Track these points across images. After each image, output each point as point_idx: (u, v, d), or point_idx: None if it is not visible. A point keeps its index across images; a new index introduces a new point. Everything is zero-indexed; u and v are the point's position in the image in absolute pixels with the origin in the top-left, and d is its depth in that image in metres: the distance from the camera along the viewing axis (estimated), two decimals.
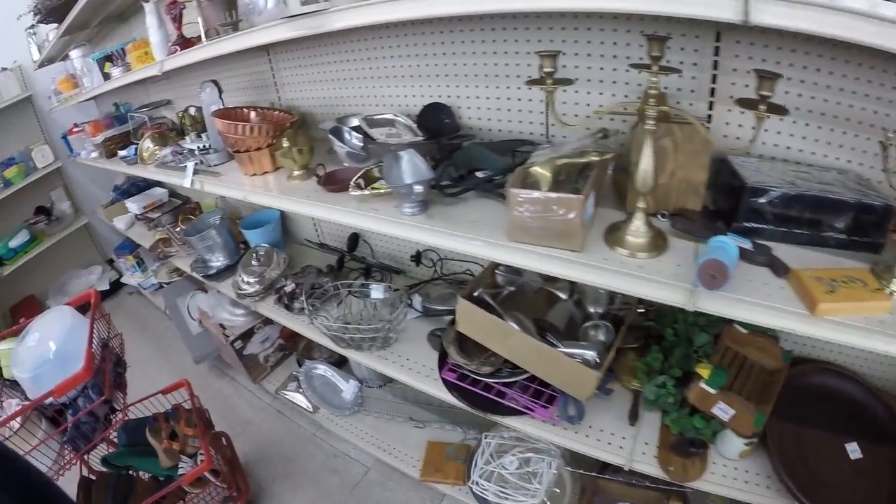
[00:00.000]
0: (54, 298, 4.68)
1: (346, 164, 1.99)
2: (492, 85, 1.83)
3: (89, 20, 3.60)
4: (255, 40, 1.69)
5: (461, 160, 1.70)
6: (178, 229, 3.16)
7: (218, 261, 2.89)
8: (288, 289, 2.53)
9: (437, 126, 1.96)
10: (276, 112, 2.25)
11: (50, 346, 2.04)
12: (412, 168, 1.61)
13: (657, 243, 1.25)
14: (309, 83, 2.42)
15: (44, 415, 1.97)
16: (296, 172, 2.00)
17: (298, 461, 2.81)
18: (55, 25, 3.64)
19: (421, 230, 1.50)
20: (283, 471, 2.78)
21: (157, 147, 2.85)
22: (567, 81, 1.29)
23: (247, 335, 3.06)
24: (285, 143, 1.91)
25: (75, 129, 4.19)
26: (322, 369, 2.93)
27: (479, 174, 1.64)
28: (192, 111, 2.74)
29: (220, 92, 2.35)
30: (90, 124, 3.69)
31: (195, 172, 2.36)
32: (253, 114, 2.19)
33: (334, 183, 1.85)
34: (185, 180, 2.37)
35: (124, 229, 3.92)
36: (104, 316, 2.58)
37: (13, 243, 4.39)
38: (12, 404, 2.00)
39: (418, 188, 1.53)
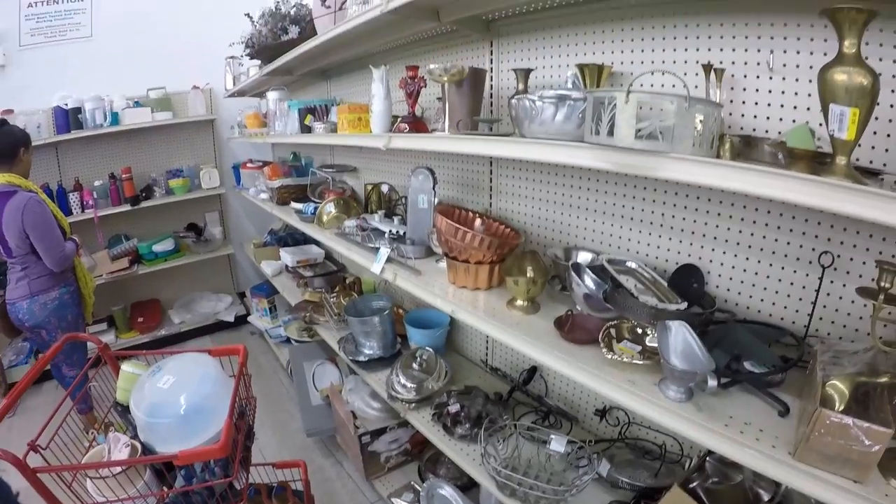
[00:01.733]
0: (177, 311, 4.61)
1: (578, 308, 1.61)
2: (752, 258, 1.52)
3: (295, 69, 3.56)
4: (530, 153, 1.37)
5: (727, 344, 1.39)
6: (333, 298, 2.88)
7: (371, 349, 2.57)
8: (452, 409, 2.16)
9: (684, 290, 1.58)
10: (501, 227, 1.92)
11: (181, 402, 1.72)
12: (684, 346, 1.32)
13: None
14: (529, 199, 2.09)
15: (152, 466, 1.64)
16: (519, 302, 1.63)
17: None
18: (258, 63, 3.64)
19: (685, 421, 1.20)
20: None
21: (339, 213, 2.62)
22: None
23: (378, 433, 2.69)
24: (528, 271, 1.55)
25: (249, 165, 4.15)
26: (448, 492, 2.50)
27: (747, 364, 1.34)
28: (384, 188, 2.49)
29: (435, 182, 2.06)
30: (270, 167, 3.59)
31: (388, 260, 2.06)
32: (478, 221, 1.87)
33: (575, 332, 1.46)
34: (374, 265, 2.08)
35: (271, 275, 3.74)
36: (246, 377, 2.30)
37: (157, 247, 4.42)
38: (120, 440, 1.66)
39: (698, 374, 1.23)
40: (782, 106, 1.38)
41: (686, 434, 1.18)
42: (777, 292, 1.49)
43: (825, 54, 1.29)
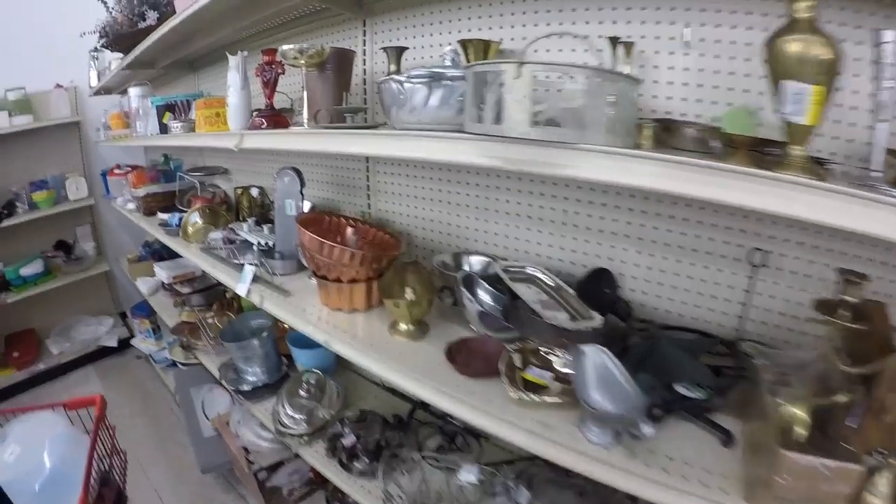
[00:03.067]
0: (54, 340, 3.91)
1: (473, 328, 1.30)
2: (671, 256, 1.28)
3: (157, 60, 3.03)
4: (397, 148, 1.04)
5: (653, 362, 1.12)
6: (210, 318, 2.43)
7: (255, 375, 2.15)
8: (347, 441, 1.80)
9: (595, 297, 1.31)
10: (380, 233, 1.56)
11: (33, 477, 1.31)
12: (604, 375, 1.00)
13: None
14: (412, 198, 1.76)
15: None
16: (403, 326, 1.30)
17: None
18: (120, 55, 3.08)
19: (616, 471, 0.94)
20: None
21: (205, 224, 2.18)
22: None
23: (274, 467, 2.30)
24: (408, 291, 1.22)
25: (117, 171, 3.55)
26: None
27: (680, 388, 1.09)
28: (254, 192, 2.08)
29: (302, 185, 1.68)
30: (134, 173, 3.05)
31: (254, 279, 1.66)
32: (350, 230, 1.51)
33: (471, 362, 1.15)
34: (239, 285, 1.68)
35: (147, 294, 3.21)
36: (108, 429, 1.85)
37: (25, 271, 3.70)
38: None
39: (625, 416, 0.96)
40: (700, 86, 1.12)
41: (620, 485, 0.93)
42: (701, 294, 1.25)
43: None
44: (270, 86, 1.60)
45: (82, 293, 4.11)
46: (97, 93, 3.93)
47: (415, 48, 1.54)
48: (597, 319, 1.21)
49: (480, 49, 1.22)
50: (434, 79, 1.00)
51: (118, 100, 3.91)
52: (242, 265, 1.73)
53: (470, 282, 1.31)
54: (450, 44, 1.42)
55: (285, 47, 1.37)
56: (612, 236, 1.34)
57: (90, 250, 4.03)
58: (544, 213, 1.43)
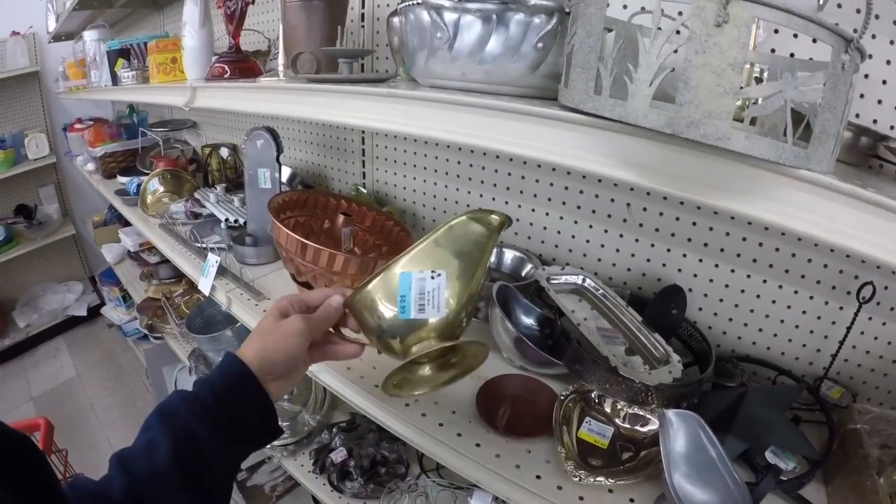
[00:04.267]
0: (21, 311, 3.46)
1: (504, 355, 0.92)
2: (754, 274, 0.95)
3: None
4: (431, 125, 0.61)
5: (744, 427, 0.80)
6: (179, 295, 2.01)
7: None
8: (337, 456, 1.46)
9: (663, 319, 0.95)
10: (378, 216, 1.13)
11: None
12: (696, 457, 0.69)
13: None
14: (420, 169, 1.34)
15: None
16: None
17: None
18: None
19: None
20: None
21: (166, 192, 1.74)
22: None
23: (255, 467, 1.95)
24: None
25: (77, 126, 3.02)
26: None
27: (770, 456, 0.77)
28: (224, 153, 1.64)
29: (279, 151, 1.24)
30: (92, 128, 2.54)
31: (220, 272, 1.25)
32: (342, 217, 1.08)
33: (514, 410, 0.78)
34: (201, 280, 1.27)
35: (112, 262, 2.77)
36: (58, 453, 1.49)
37: None
38: None
39: None
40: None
41: None
42: (783, 322, 0.91)
43: None
44: (235, 21, 1.15)
45: (49, 259, 3.64)
46: (56, 38, 3.35)
47: None
48: (675, 363, 0.84)
49: None
50: (504, 6, 0.58)
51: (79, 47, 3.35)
52: (206, 250, 1.31)
53: (505, 297, 0.92)
54: None
55: None
56: (682, 241, 0.96)
57: (54, 213, 3.52)
58: (592, 202, 1.04)
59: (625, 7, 0.87)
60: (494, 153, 1.14)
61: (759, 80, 0.69)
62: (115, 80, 1.94)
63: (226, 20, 1.17)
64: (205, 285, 1.25)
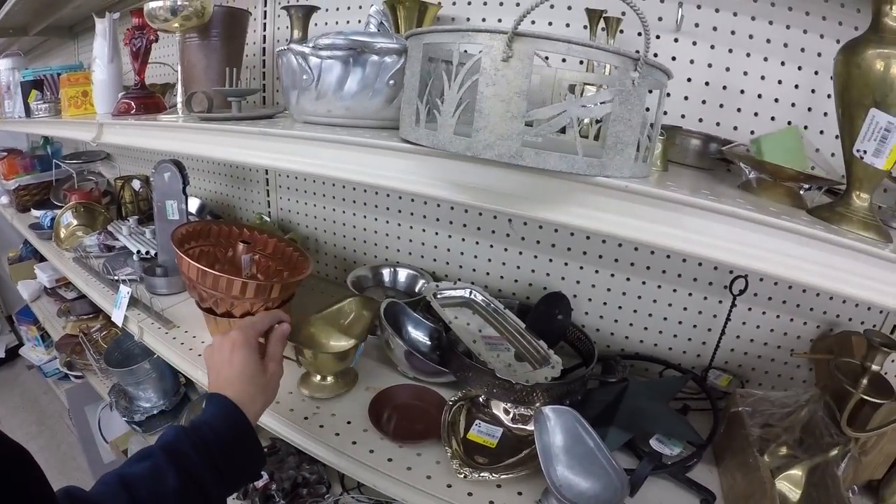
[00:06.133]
0: None
1: (399, 368, 1.00)
2: (633, 277, 1.06)
3: (28, 25, 2.46)
4: (307, 160, 0.68)
5: (626, 419, 0.88)
6: (97, 330, 1.98)
7: (149, 401, 1.75)
8: (258, 482, 1.46)
9: (544, 323, 1.04)
10: (279, 243, 1.19)
11: None
12: (575, 448, 0.77)
13: None
14: (321, 196, 1.42)
15: None
16: (316, 378, 0.97)
17: None
18: None
19: None
20: None
21: (80, 226, 1.73)
22: None
23: None
24: (324, 333, 0.89)
25: None
26: None
27: (655, 443, 0.87)
28: (136, 185, 1.66)
29: (185, 183, 1.28)
30: (5, 160, 2.48)
31: (132, 302, 1.27)
32: (241, 245, 1.14)
33: (400, 419, 0.86)
34: (114, 311, 1.28)
35: (29, 299, 2.67)
36: None
37: None
38: None
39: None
40: (707, 84, 0.86)
41: None
42: (666, 319, 1.02)
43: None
44: (141, 58, 1.19)
45: None
46: None
47: (328, 10, 1.18)
48: (554, 363, 0.93)
49: (414, 12, 0.88)
50: (355, 51, 0.67)
51: None
52: (118, 282, 1.33)
53: (395, 313, 0.99)
54: (372, 5, 1.08)
55: (153, 4, 0.98)
56: (563, 251, 1.06)
57: None
58: (476, 220, 1.13)
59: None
60: (352, 184, 1.24)
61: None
62: (28, 111, 1.92)
63: (131, 57, 1.21)
64: (118, 317, 1.27)
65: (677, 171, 0.72)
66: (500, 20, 1.01)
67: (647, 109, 0.50)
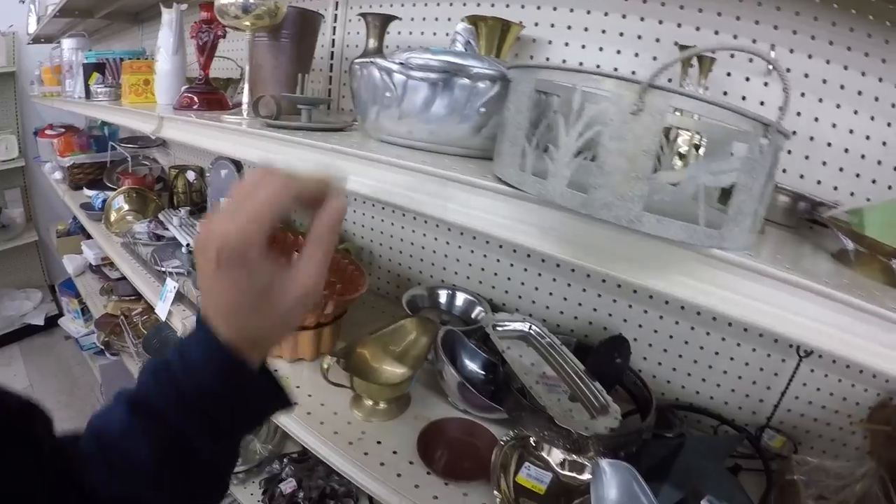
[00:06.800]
0: None
1: (450, 399, 0.95)
2: (698, 327, 1.00)
3: (94, 8, 2.51)
4: (392, 188, 0.63)
5: (681, 476, 0.82)
6: (138, 314, 2.00)
7: None
8: (286, 487, 1.45)
9: (606, 368, 0.98)
10: (335, 254, 1.16)
11: None
12: (628, 502, 0.72)
13: None
14: (378, 207, 1.37)
15: None
16: (369, 402, 0.93)
17: None
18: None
19: None
20: None
21: (131, 211, 1.74)
22: None
23: None
24: (384, 371, 0.86)
25: (48, 132, 3.01)
26: None
27: None
28: (190, 176, 1.66)
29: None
30: (62, 137, 2.53)
31: (178, 297, 1.26)
32: (297, 254, 1.11)
33: (454, 452, 0.81)
34: (159, 304, 1.28)
35: (73, 274, 2.73)
36: None
37: None
38: None
39: None
40: (812, 139, 0.80)
41: None
42: (726, 373, 0.96)
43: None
44: (206, 52, 1.18)
45: (9, 264, 3.56)
46: (36, 40, 3.35)
47: (402, 19, 1.15)
48: (614, 413, 0.88)
49: (496, 31, 0.84)
50: (449, 74, 0.62)
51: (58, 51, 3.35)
52: (165, 274, 1.32)
53: (451, 341, 0.95)
54: (449, 18, 1.04)
55: (224, 1, 0.96)
56: (628, 292, 1.01)
57: (18, 217, 3.47)
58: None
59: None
60: (434, 220, 1.19)
61: (697, 148, 0.74)
62: (88, 93, 1.95)
63: (197, 51, 1.20)
64: (162, 310, 1.26)
65: (769, 232, 0.67)
66: (583, 46, 0.97)
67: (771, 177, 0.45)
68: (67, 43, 2.42)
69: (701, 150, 0.57)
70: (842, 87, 0.79)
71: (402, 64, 0.62)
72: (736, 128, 0.42)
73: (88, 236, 2.67)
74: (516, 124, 0.47)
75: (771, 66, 0.71)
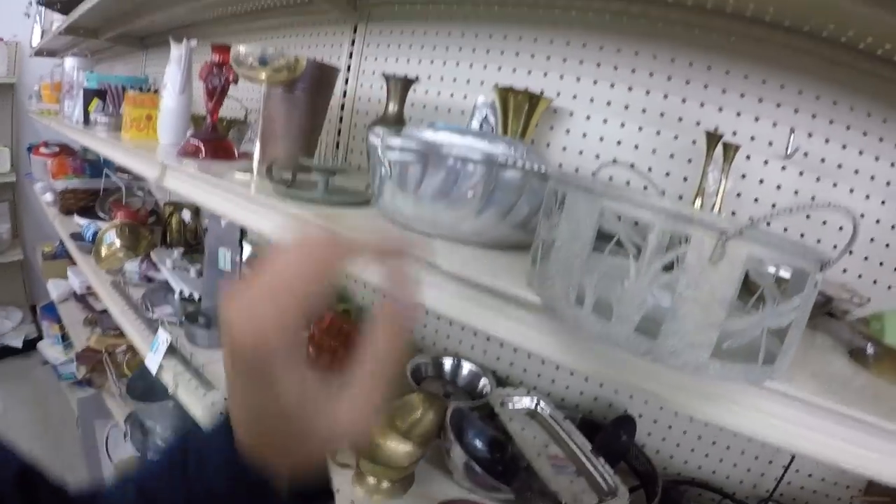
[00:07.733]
0: None
1: (454, 477, 0.89)
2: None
3: (100, 29, 2.49)
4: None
5: None
6: (122, 351, 1.92)
7: (167, 442, 1.67)
8: None
9: (613, 446, 0.94)
10: (335, 317, 1.10)
11: None
12: None
13: None
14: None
15: None
16: (372, 481, 0.87)
17: None
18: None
19: None
20: None
21: (122, 247, 1.68)
22: None
23: None
24: (390, 450, 0.81)
25: (42, 150, 2.95)
26: None
27: None
28: (185, 216, 1.60)
29: (244, 233, 1.21)
30: (57, 158, 2.48)
31: (170, 350, 1.20)
32: None
33: None
34: (149, 355, 1.21)
35: (56, 300, 2.65)
36: None
37: None
38: None
39: None
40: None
41: None
42: (729, 448, 0.93)
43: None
44: (216, 97, 1.14)
45: None
46: (38, 53, 3.34)
47: (419, 78, 1.12)
48: (622, 496, 0.83)
49: (524, 103, 0.80)
50: (467, 162, 0.57)
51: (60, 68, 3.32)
52: (157, 323, 1.26)
53: (458, 418, 0.90)
54: (471, 81, 1.01)
55: (242, 49, 0.91)
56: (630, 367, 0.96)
57: (4, 233, 3.40)
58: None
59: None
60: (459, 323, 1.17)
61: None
62: (87, 120, 1.91)
63: (206, 95, 1.16)
64: (152, 362, 1.20)
65: None
66: (605, 120, 0.94)
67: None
68: (70, 62, 2.38)
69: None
70: (856, 171, 0.79)
71: (381, 141, 0.58)
72: (802, 268, 0.39)
73: (75, 262, 2.60)
74: (571, 253, 0.43)
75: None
